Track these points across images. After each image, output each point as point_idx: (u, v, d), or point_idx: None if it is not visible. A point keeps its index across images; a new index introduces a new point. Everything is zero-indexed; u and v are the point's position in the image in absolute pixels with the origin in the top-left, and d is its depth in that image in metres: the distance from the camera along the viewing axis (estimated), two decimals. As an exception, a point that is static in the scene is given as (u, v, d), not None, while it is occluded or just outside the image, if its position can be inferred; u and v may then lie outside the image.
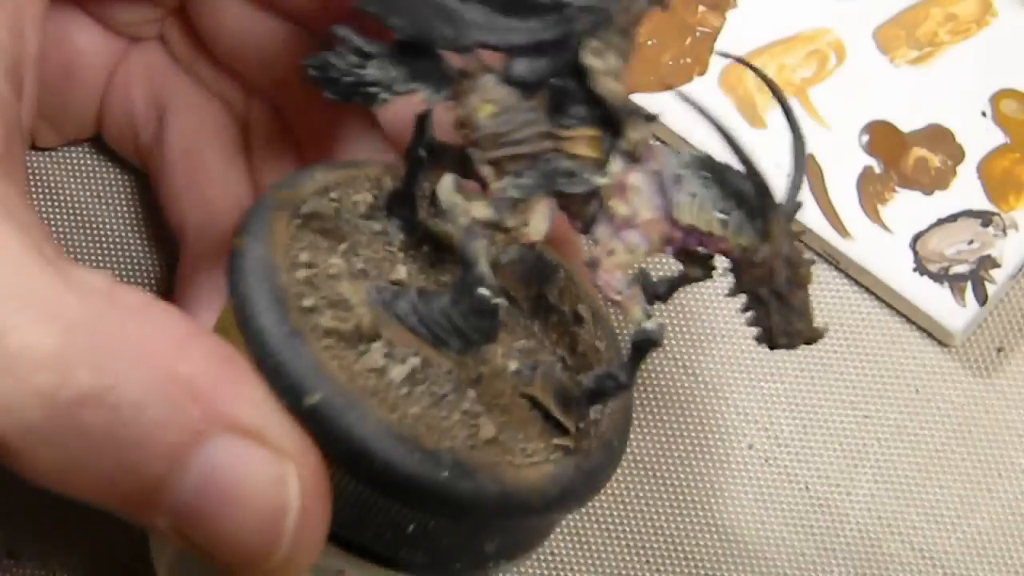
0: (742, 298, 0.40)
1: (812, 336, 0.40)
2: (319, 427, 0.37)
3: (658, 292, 0.42)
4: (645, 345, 0.40)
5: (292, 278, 0.39)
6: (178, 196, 0.51)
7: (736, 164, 0.39)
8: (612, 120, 0.39)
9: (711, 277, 0.41)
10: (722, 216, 0.39)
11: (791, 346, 0.40)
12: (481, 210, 0.39)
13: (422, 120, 0.41)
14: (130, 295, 0.36)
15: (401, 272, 0.41)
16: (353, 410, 0.37)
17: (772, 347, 0.40)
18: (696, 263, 0.41)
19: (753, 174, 0.38)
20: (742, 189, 0.39)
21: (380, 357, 0.38)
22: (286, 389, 0.37)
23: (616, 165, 0.39)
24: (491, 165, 0.39)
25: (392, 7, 0.39)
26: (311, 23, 0.47)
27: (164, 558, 0.43)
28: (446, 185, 0.39)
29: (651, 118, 0.39)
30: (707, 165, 0.39)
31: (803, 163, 0.39)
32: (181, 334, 0.36)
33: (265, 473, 0.35)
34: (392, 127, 0.47)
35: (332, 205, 0.41)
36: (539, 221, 0.39)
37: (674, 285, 0.42)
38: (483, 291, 0.38)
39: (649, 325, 0.39)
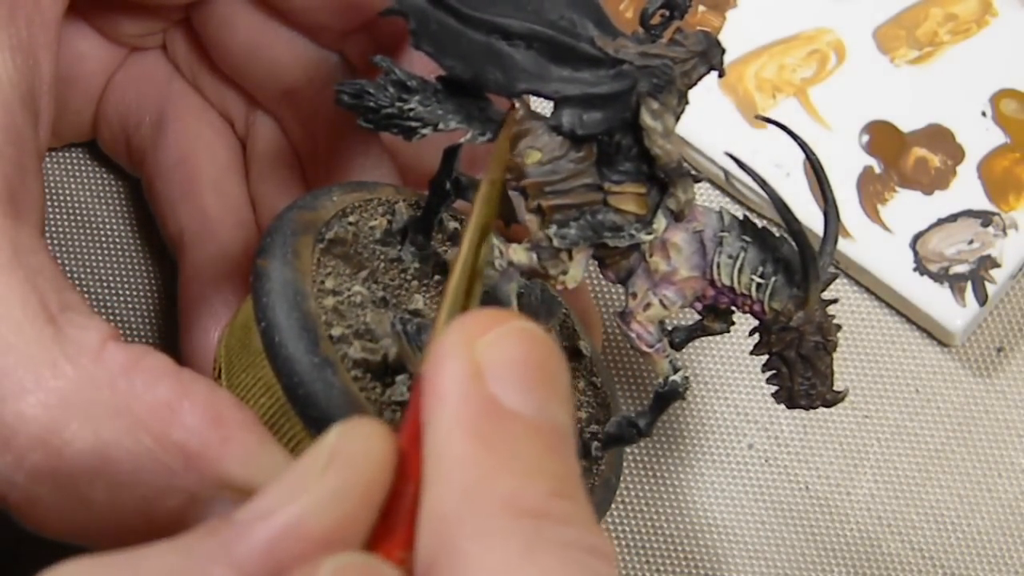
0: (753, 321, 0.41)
1: (833, 400, 0.41)
2: None
3: (674, 341, 0.42)
4: (671, 396, 0.41)
5: (321, 305, 0.39)
6: (174, 205, 0.51)
7: (782, 231, 0.40)
8: (658, 178, 0.39)
9: (728, 332, 0.42)
10: (760, 280, 0.40)
11: (810, 407, 0.41)
12: (520, 255, 0.39)
13: (450, 154, 0.41)
14: (120, 354, 0.36)
15: (418, 302, 0.41)
16: None
17: (791, 407, 0.41)
18: (718, 318, 0.42)
19: (803, 246, 0.39)
20: (783, 255, 0.40)
21: (406, 391, 0.39)
22: (317, 420, 0.37)
23: (661, 223, 0.40)
24: (535, 213, 0.39)
25: (446, 49, 0.39)
26: (323, 35, 0.47)
27: None
28: None
29: (697, 179, 0.40)
30: (748, 228, 0.40)
31: (836, 230, 0.40)
32: (171, 395, 0.36)
33: None
34: (402, 153, 0.47)
35: (351, 229, 0.41)
36: (577, 270, 0.40)
37: (691, 335, 0.43)
38: None
39: (676, 378, 0.40)
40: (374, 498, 0.31)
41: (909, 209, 0.53)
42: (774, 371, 0.41)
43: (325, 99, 0.48)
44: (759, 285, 0.40)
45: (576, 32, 0.39)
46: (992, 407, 0.52)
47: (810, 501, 0.52)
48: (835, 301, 0.40)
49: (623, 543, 0.51)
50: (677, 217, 0.40)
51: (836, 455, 0.52)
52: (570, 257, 0.39)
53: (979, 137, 0.54)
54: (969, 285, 0.52)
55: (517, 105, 0.39)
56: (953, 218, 0.53)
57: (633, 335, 0.40)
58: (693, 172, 0.40)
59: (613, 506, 0.51)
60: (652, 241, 0.40)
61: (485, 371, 0.31)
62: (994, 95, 0.55)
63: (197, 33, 0.49)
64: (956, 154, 0.54)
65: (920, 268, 0.52)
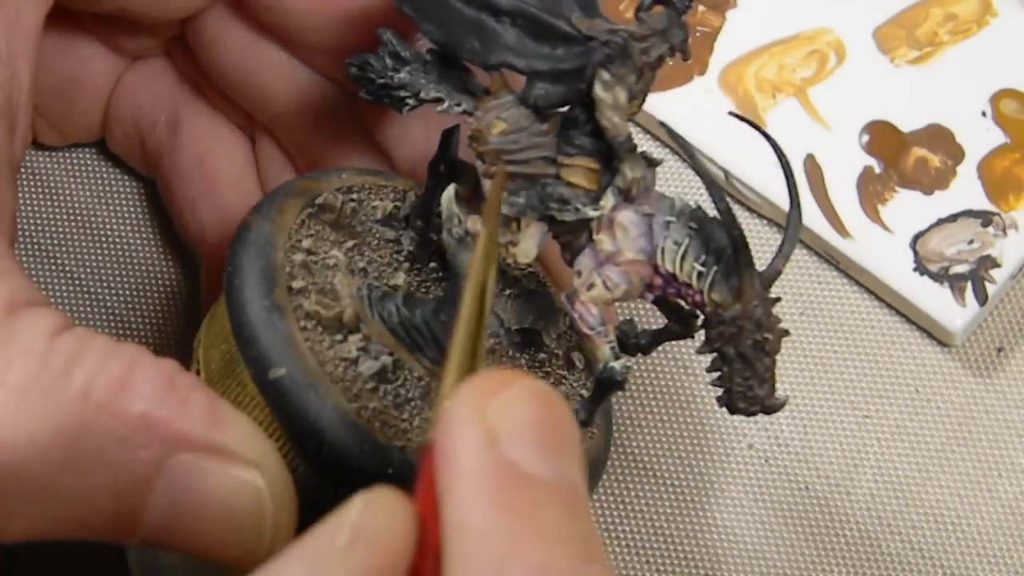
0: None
1: (771, 406, 0.40)
2: (279, 401, 0.38)
3: (640, 344, 0.42)
4: (608, 384, 0.40)
5: (288, 259, 0.40)
6: (194, 203, 0.51)
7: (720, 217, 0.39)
8: (613, 155, 0.39)
9: (692, 336, 0.41)
10: (701, 268, 0.39)
11: (749, 413, 0.40)
12: (478, 224, 0.39)
13: (447, 137, 0.41)
14: (68, 341, 0.37)
15: (400, 279, 0.42)
16: (313, 390, 0.38)
17: (731, 411, 0.40)
18: (678, 319, 0.41)
19: (731, 229, 0.38)
20: (722, 245, 0.39)
21: (355, 349, 0.39)
22: (255, 359, 0.38)
23: (609, 200, 0.39)
24: (491, 179, 0.39)
25: (427, 13, 0.40)
26: (317, 58, 0.47)
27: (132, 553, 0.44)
28: (448, 195, 0.40)
29: (654, 162, 0.40)
30: (696, 216, 0.39)
31: (796, 232, 0.40)
32: (122, 369, 0.36)
33: (234, 483, 0.36)
34: (402, 158, 0.47)
35: (351, 204, 0.42)
36: (528, 243, 0.40)
37: (656, 339, 0.42)
38: None
39: (615, 365, 0.40)
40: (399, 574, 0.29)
41: (909, 209, 0.53)
42: (717, 372, 0.40)
43: (319, 123, 0.48)
44: (700, 274, 0.39)
45: (559, 12, 0.39)
46: (992, 407, 0.52)
47: (810, 501, 0.52)
48: (779, 300, 0.40)
49: (623, 543, 0.51)
50: (627, 196, 0.39)
51: (836, 455, 0.52)
52: (518, 227, 0.39)
53: (979, 137, 0.54)
54: (969, 285, 0.52)
55: (494, 76, 0.40)
56: (953, 218, 0.53)
57: (576, 315, 0.40)
58: (650, 156, 0.40)
59: (613, 506, 0.51)
60: (599, 218, 0.39)
61: (500, 436, 0.30)
62: (994, 95, 0.55)
63: (192, 50, 0.49)
64: (956, 154, 0.54)
65: (920, 268, 0.52)
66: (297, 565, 0.29)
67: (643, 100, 0.40)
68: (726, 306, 0.39)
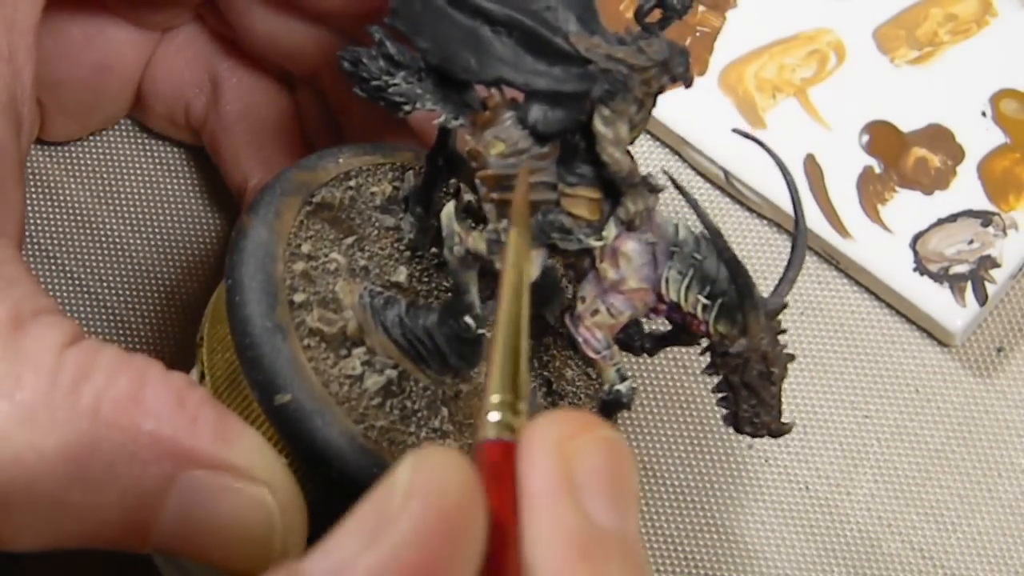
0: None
1: (778, 431, 0.40)
2: (285, 426, 0.38)
3: (645, 347, 0.42)
4: (615, 405, 0.40)
5: (289, 270, 0.39)
6: (237, 154, 0.51)
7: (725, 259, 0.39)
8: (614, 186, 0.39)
9: (697, 344, 0.41)
10: (705, 301, 0.39)
11: (755, 435, 0.41)
12: (477, 242, 0.39)
13: (444, 130, 0.41)
14: (78, 356, 0.37)
15: (402, 274, 0.41)
16: (320, 416, 0.37)
17: (738, 431, 0.41)
18: (684, 331, 0.41)
19: (736, 276, 0.38)
20: (726, 278, 0.39)
21: (359, 364, 0.39)
22: (260, 384, 0.38)
23: (611, 231, 0.39)
24: (492, 203, 0.39)
25: (421, 28, 0.39)
26: (337, 23, 0.47)
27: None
28: (447, 212, 0.39)
29: (656, 189, 0.39)
30: (699, 246, 0.39)
31: (802, 256, 0.40)
32: (132, 385, 0.36)
33: (243, 499, 0.37)
34: (418, 122, 0.48)
35: (349, 194, 0.42)
36: (530, 267, 0.39)
37: (661, 343, 0.42)
38: (468, 320, 0.39)
39: (621, 387, 0.40)
40: (466, 534, 0.29)
41: (909, 209, 0.53)
42: (723, 394, 0.40)
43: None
44: (704, 306, 0.39)
45: (555, 25, 0.39)
46: (992, 407, 0.52)
47: (810, 501, 0.52)
48: (784, 331, 0.40)
49: (623, 543, 0.51)
50: (630, 226, 0.39)
51: (836, 455, 0.52)
52: None
53: (979, 137, 0.54)
54: (969, 285, 0.52)
55: (492, 91, 0.39)
56: (953, 218, 0.53)
57: (580, 339, 0.40)
58: (652, 183, 0.39)
59: (613, 506, 0.51)
60: (602, 248, 0.39)
61: (579, 483, 0.30)
62: (994, 95, 0.55)
63: (223, 16, 0.50)
64: (956, 154, 0.54)
65: (920, 268, 0.52)
66: (355, 532, 0.29)
67: (644, 126, 0.39)
68: (732, 339, 0.39)
